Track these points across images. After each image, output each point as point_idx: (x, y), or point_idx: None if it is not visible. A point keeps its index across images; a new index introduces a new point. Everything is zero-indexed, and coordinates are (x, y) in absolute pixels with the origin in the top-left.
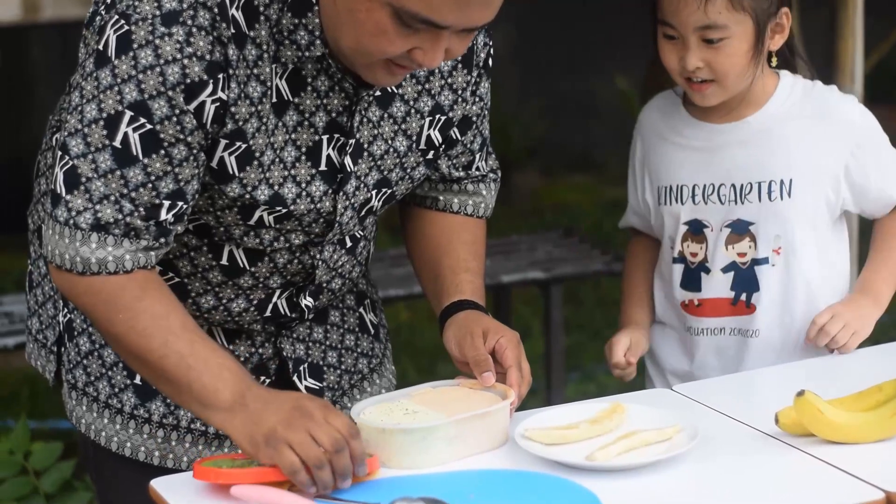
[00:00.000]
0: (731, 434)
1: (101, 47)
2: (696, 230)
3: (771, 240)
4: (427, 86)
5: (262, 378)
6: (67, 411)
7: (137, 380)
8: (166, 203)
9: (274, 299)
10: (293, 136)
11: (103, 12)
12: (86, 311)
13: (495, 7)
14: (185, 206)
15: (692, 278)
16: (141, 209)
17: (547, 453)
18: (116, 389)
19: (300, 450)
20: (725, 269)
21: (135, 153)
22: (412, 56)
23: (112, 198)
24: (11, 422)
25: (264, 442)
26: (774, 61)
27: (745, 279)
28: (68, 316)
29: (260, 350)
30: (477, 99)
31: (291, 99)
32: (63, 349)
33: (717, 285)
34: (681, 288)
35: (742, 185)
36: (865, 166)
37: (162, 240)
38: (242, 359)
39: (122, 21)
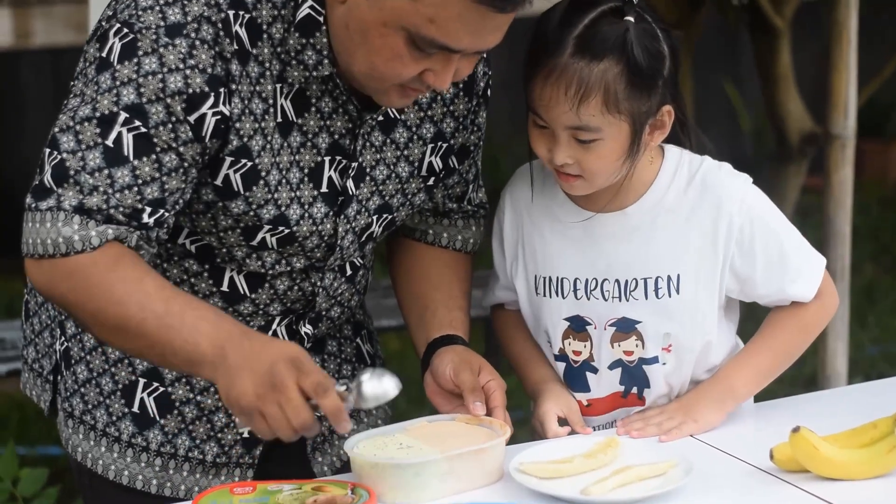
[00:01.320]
0: (726, 469)
1: (103, 54)
2: (578, 327)
3: (660, 338)
4: (429, 112)
5: None
6: (63, 440)
7: (135, 408)
8: (148, 209)
9: (273, 326)
10: (297, 157)
11: (104, 24)
12: (65, 300)
13: (505, 30)
14: (165, 213)
15: (577, 378)
16: (122, 209)
17: (542, 487)
18: (114, 417)
19: (272, 423)
20: (612, 367)
21: (125, 154)
22: (423, 78)
23: (101, 189)
24: (0, 448)
25: (238, 409)
26: (652, 156)
27: (634, 375)
28: (65, 344)
29: None
30: (475, 128)
31: (295, 119)
32: (60, 378)
33: (606, 383)
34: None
35: (627, 281)
36: (753, 256)
37: (142, 232)
38: None
39: (126, 29)
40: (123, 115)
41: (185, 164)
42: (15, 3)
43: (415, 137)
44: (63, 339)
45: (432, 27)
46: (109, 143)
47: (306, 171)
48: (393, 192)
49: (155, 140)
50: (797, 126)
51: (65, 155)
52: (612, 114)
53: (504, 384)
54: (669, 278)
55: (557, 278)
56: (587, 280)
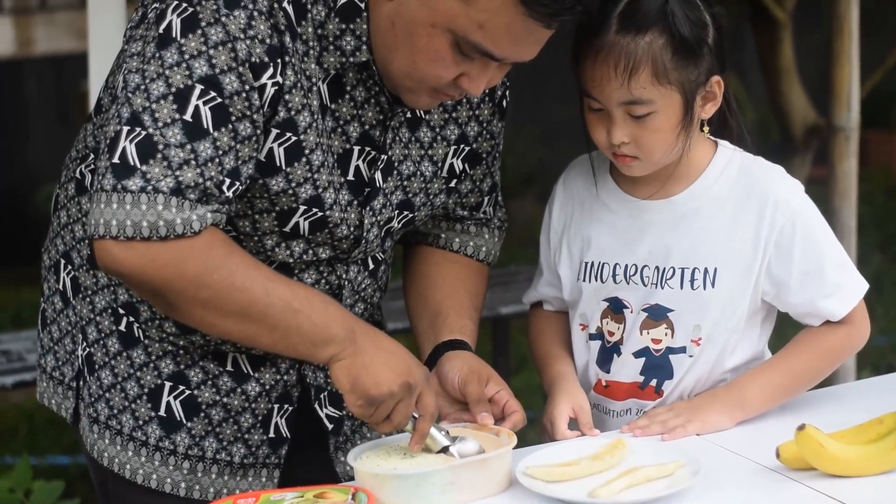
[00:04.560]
0: (733, 469)
1: (161, 31)
2: (616, 309)
3: (690, 329)
4: (454, 114)
5: (286, 406)
6: (88, 445)
7: (162, 411)
8: (227, 180)
9: None
10: (328, 141)
11: (157, 4)
12: (168, 285)
13: (542, 46)
14: (239, 186)
15: (605, 357)
16: (213, 181)
17: (549, 491)
18: (140, 422)
19: (381, 413)
20: (637, 354)
21: (205, 126)
22: (458, 82)
23: (192, 163)
24: (10, 458)
25: (365, 393)
26: (706, 130)
27: (658, 366)
28: (88, 350)
29: (285, 377)
30: (488, 135)
31: (329, 104)
32: (83, 383)
33: (628, 369)
34: (595, 365)
35: (665, 269)
36: (791, 260)
37: (227, 207)
38: (268, 386)
39: (185, 4)
40: (199, 88)
41: (258, 132)
42: (16, 11)
43: (438, 138)
44: (85, 344)
45: (480, 33)
46: (188, 117)
47: (335, 156)
48: (417, 191)
49: (231, 110)
50: (801, 118)
51: (149, 131)
52: (662, 85)
53: (511, 392)
54: (706, 270)
55: (599, 263)
56: (627, 265)
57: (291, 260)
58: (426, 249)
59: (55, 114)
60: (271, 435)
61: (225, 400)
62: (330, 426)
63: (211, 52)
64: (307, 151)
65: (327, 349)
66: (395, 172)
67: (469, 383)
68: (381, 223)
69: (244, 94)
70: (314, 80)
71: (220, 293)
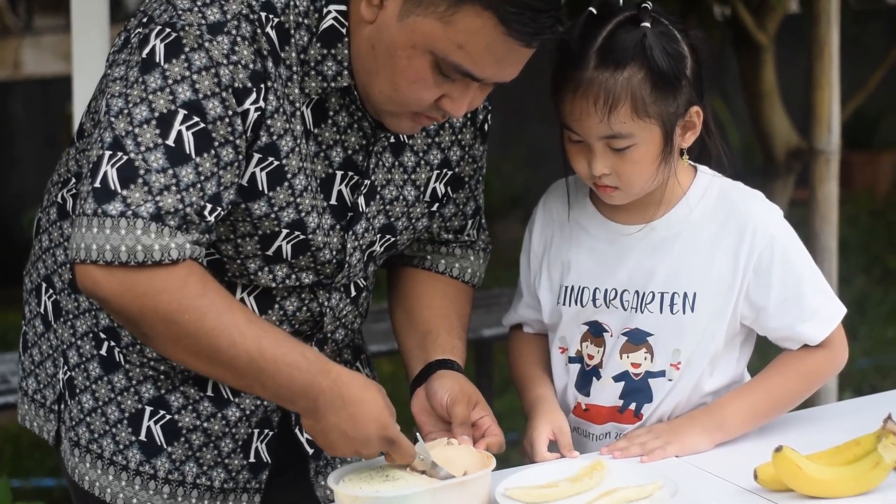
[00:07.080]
0: (711, 490)
1: (145, 55)
2: (596, 333)
3: (669, 354)
4: (437, 139)
5: (267, 431)
6: (69, 469)
7: (142, 436)
8: (208, 205)
9: None
10: (311, 166)
11: (140, 30)
12: (143, 316)
13: (523, 65)
14: (221, 211)
15: (585, 381)
16: (194, 206)
17: None
18: (121, 446)
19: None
20: (616, 378)
21: (188, 151)
22: (440, 104)
23: (172, 189)
24: None
25: (328, 449)
26: (685, 160)
27: (637, 390)
28: (69, 374)
29: (265, 402)
30: (470, 159)
31: (312, 129)
32: (64, 407)
33: (606, 393)
34: (574, 388)
35: (644, 294)
36: (769, 285)
37: (208, 236)
38: (248, 411)
39: (169, 29)
40: (182, 113)
41: (240, 158)
42: (3, 34)
43: (422, 163)
44: (66, 368)
45: (460, 53)
46: (170, 142)
47: (317, 180)
48: (399, 215)
49: (213, 135)
50: (783, 141)
51: (131, 156)
52: (641, 119)
53: (494, 419)
54: (686, 295)
55: (579, 287)
56: (607, 290)
57: (274, 285)
58: (412, 270)
59: (41, 136)
60: (252, 460)
61: (205, 425)
62: (310, 450)
63: (194, 77)
64: (289, 176)
65: (290, 407)
66: (378, 197)
67: (457, 404)
68: (364, 247)
69: (227, 120)
70: (297, 104)
71: (190, 333)
